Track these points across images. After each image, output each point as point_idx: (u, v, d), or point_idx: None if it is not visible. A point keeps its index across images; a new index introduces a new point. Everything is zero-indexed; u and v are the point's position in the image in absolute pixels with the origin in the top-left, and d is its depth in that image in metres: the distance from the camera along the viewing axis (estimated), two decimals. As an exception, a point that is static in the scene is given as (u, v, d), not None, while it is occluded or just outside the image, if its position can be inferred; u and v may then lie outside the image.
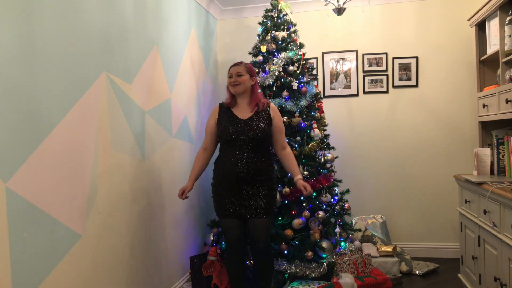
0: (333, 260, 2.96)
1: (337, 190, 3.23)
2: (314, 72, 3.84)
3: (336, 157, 3.26)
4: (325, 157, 3.17)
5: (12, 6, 1.57)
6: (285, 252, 2.96)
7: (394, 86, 3.89)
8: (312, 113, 3.23)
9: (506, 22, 2.55)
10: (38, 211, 1.67)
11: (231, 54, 4.19)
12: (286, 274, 2.93)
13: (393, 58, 3.87)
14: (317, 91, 3.31)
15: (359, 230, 3.43)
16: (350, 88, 3.97)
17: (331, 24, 3.97)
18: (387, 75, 3.90)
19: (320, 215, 2.96)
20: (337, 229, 3.09)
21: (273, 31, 3.28)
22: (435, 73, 3.80)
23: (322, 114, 3.34)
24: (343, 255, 3.02)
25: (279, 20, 3.31)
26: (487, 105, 2.86)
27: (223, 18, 4.21)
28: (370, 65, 3.93)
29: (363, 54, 3.93)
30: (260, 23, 3.38)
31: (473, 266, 2.68)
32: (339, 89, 4.00)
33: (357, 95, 3.96)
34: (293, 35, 3.31)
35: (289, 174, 3.02)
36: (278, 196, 2.87)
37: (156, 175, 2.75)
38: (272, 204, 2.51)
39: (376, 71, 3.92)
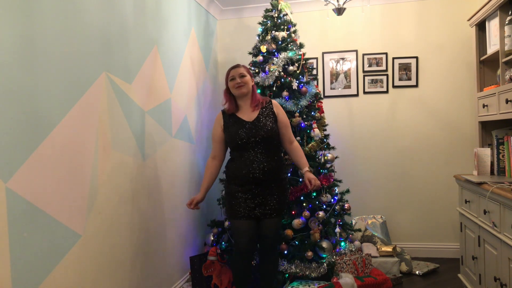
0: (333, 260, 2.96)
1: (337, 190, 3.23)
2: (314, 72, 3.85)
3: (336, 157, 3.26)
4: (325, 157, 3.17)
5: (12, 6, 1.57)
6: (285, 252, 2.96)
7: (394, 86, 3.89)
8: (312, 113, 3.23)
9: (506, 22, 2.55)
10: (38, 211, 1.67)
11: (231, 54, 4.19)
12: (286, 274, 2.93)
13: (393, 58, 3.87)
14: (317, 91, 3.31)
15: (359, 230, 3.43)
16: (350, 88, 3.97)
17: (331, 24, 3.97)
18: (387, 75, 3.90)
19: (320, 215, 2.96)
20: (337, 229, 3.09)
21: (273, 31, 3.28)
22: (435, 73, 3.80)
23: (322, 114, 3.34)
24: (343, 255, 3.02)
25: (279, 20, 3.31)
26: (487, 105, 2.86)
27: (223, 18, 4.21)
28: (370, 65, 3.93)
29: (363, 54, 3.93)
30: (260, 23, 3.38)
31: (473, 266, 2.68)
32: (339, 89, 4.00)
33: (357, 95, 3.96)
34: (293, 35, 3.31)
35: (289, 174, 3.03)
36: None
37: (156, 175, 2.75)
38: (284, 204, 2.57)
39: (376, 71, 3.92)
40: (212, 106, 3.94)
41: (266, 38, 3.26)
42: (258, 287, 2.72)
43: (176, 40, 3.12)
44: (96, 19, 2.09)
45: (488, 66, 3.10)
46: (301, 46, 3.34)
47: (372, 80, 3.93)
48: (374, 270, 3.07)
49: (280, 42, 3.24)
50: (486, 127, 3.02)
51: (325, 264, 2.93)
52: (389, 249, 3.37)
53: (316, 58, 4.02)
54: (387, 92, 3.91)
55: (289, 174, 3.03)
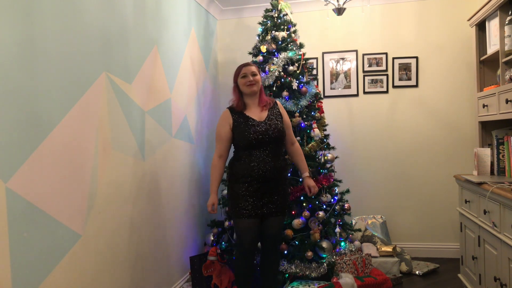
0: (333, 260, 2.96)
1: (337, 190, 3.23)
2: (314, 72, 3.84)
3: (336, 157, 3.26)
4: (325, 157, 3.17)
5: (12, 7, 1.57)
6: (285, 252, 2.96)
7: (394, 86, 3.89)
8: (312, 113, 3.23)
9: (506, 22, 2.55)
10: (38, 211, 1.67)
11: (231, 54, 4.19)
12: (286, 274, 2.93)
13: (393, 58, 3.87)
14: (317, 91, 3.31)
15: (359, 230, 3.44)
16: (350, 88, 3.97)
17: (331, 24, 3.97)
18: (387, 75, 3.90)
19: (320, 215, 2.96)
20: (337, 229, 3.09)
21: (273, 31, 3.28)
22: (435, 73, 3.80)
23: (322, 114, 3.34)
24: (343, 255, 3.02)
25: (279, 20, 3.31)
26: (487, 105, 2.86)
27: (223, 18, 4.21)
28: (370, 65, 3.93)
29: (363, 54, 3.93)
30: (260, 23, 3.38)
31: (473, 266, 2.68)
32: (339, 89, 4.00)
33: (357, 95, 3.96)
34: (293, 35, 3.31)
35: (289, 174, 3.03)
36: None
37: (156, 175, 2.75)
38: (287, 202, 2.61)
39: (376, 71, 3.92)
40: (212, 106, 3.94)
41: (266, 38, 3.26)
42: (259, 287, 2.72)
43: (176, 40, 3.12)
44: (96, 19, 2.09)
45: (488, 66, 3.10)
46: (301, 46, 3.34)
47: (372, 80, 3.93)
48: (374, 270, 3.07)
49: (280, 42, 3.24)
50: (486, 127, 3.02)
51: (325, 264, 2.93)
52: (389, 249, 3.37)
53: (316, 58, 4.02)
54: (387, 92, 3.91)
55: (289, 174, 3.03)
